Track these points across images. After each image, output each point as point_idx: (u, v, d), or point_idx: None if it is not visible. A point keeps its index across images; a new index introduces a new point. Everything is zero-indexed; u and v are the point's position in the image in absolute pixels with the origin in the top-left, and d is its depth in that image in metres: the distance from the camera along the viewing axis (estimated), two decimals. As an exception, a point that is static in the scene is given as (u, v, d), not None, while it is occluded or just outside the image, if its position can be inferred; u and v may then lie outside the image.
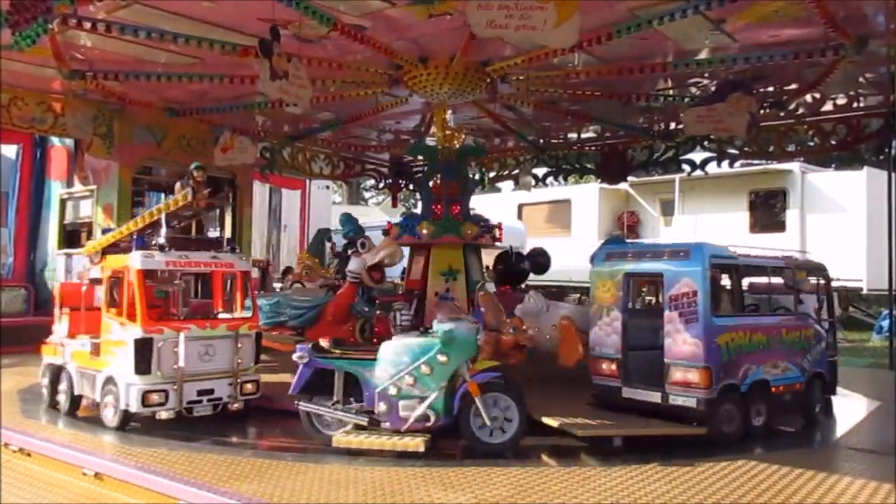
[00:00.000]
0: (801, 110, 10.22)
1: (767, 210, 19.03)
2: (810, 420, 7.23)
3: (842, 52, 7.40)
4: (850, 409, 8.08)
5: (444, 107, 9.56)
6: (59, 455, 6.02)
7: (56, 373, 7.55)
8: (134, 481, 5.31)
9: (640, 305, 7.90)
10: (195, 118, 10.96)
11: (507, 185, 18.47)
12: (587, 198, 21.31)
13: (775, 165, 16.96)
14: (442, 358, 5.75)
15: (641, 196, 21.05)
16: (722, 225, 18.50)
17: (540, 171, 14.14)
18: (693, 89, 9.77)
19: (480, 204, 18.13)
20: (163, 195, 12.95)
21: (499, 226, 9.90)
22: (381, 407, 5.83)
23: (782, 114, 10.23)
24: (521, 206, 22.23)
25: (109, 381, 6.67)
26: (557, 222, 21.88)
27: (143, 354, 6.40)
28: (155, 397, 6.42)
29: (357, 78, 9.01)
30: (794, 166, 17.69)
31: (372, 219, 17.79)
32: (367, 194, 37.23)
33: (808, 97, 9.79)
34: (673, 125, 11.32)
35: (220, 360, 6.85)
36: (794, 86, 9.43)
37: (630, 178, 15.74)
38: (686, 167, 12.07)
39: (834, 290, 8.20)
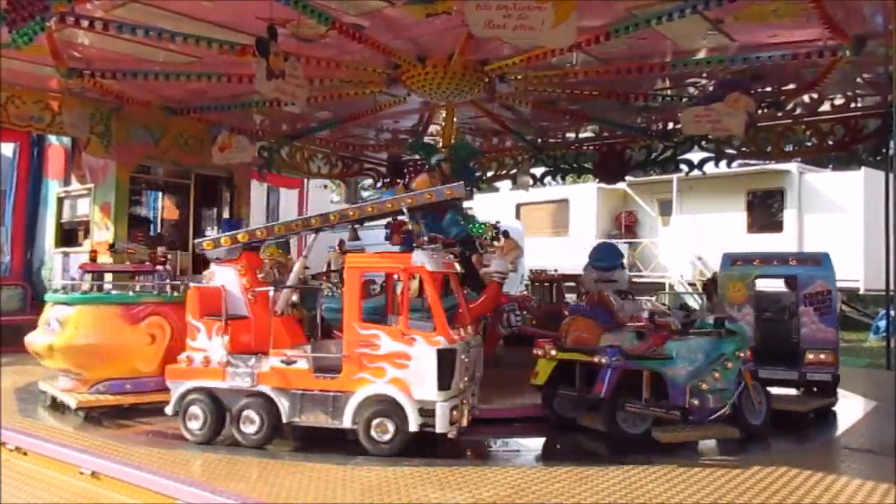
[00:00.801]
0: (798, 110, 10.23)
1: (765, 210, 19.08)
2: None
3: (840, 53, 7.42)
4: (847, 409, 8.10)
5: (452, 106, 9.53)
6: (55, 454, 6.01)
7: (217, 400, 6.18)
8: (131, 480, 5.30)
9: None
10: (193, 117, 10.95)
11: (505, 185, 18.46)
12: (585, 197, 21.36)
13: (773, 165, 17.00)
14: (741, 354, 6.42)
15: (639, 196, 21.08)
16: (719, 225, 18.57)
17: (538, 171, 14.13)
18: (691, 89, 9.78)
19: (478, 204, 18.17)
20: (161, 194, 13.00)
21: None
22: (694, 402, 6.21)
23: (780, 114, 10.25)
24: (518, 206, 22.27)
25: (374, 400, 5.80)
26: (555, 222, 21.91)
27: (448, 368, 5.70)
28: (455, 414, 5.76)
29: (355, 77, 9.01)
30: (792, 166, 17.73)
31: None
32: (365, 193, 37.20)
33: (806, 97, 9.82)
34: (671, 125, 11.33)
35: (472, 369, 6.30)
36: (791, 86, 9.45)
37: (628, 178, 15.74)
38: (684, 167, 12.07)
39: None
